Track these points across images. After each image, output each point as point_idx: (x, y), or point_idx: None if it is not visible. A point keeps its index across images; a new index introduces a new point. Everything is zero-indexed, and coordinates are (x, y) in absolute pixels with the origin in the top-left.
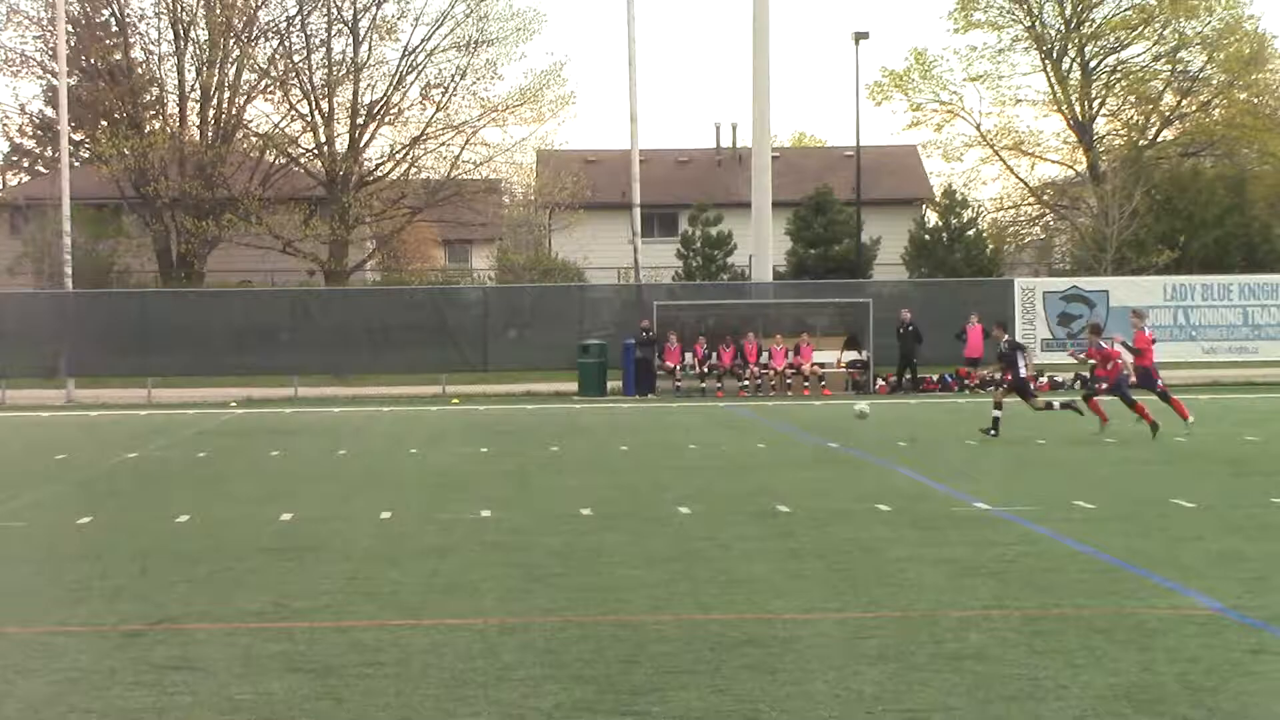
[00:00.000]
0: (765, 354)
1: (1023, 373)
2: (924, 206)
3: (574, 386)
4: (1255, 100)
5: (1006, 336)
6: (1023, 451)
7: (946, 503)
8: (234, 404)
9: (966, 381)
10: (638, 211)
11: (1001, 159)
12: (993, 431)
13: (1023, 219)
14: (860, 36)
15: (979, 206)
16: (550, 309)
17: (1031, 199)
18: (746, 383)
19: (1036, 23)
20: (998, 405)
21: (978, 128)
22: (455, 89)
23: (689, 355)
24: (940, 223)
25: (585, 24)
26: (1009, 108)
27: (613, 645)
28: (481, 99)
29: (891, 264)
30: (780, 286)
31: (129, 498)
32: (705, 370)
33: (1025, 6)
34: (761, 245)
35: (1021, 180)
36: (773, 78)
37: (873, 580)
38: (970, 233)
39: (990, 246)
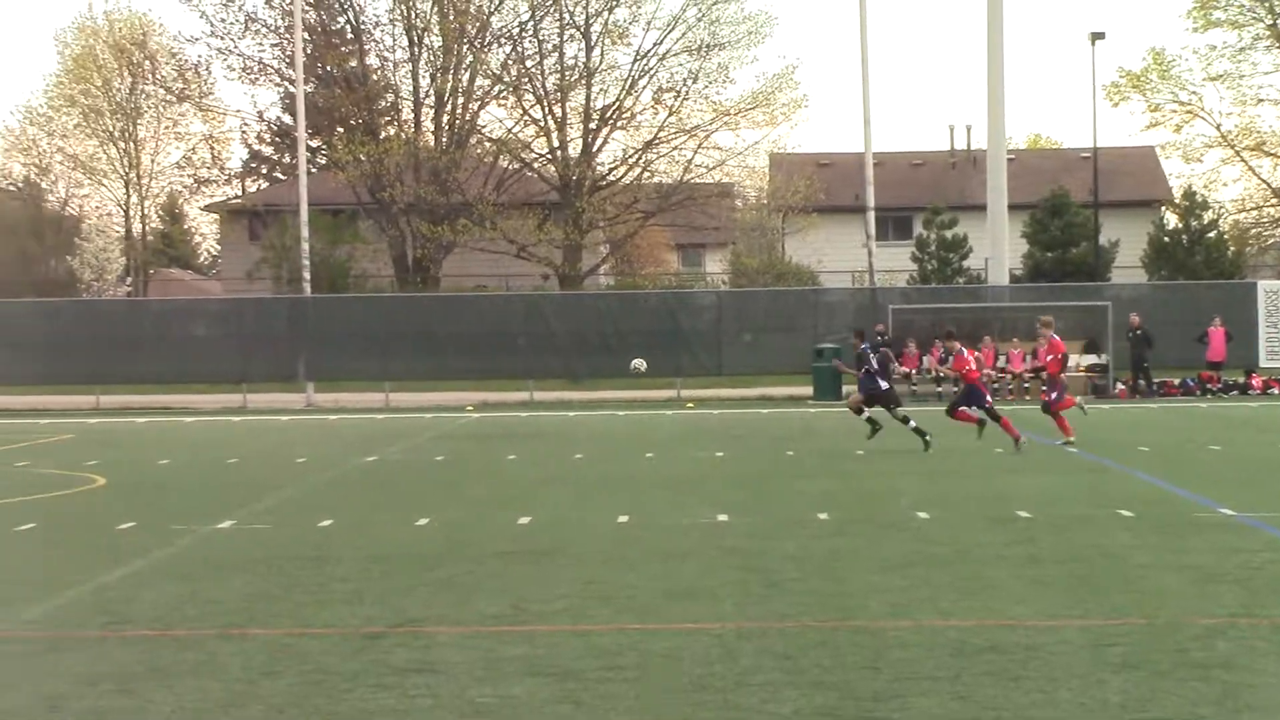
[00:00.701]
0: (1002, 358)
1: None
2: (1163, 208)
3: (809, 390)
4: None
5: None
6: (1271, 456)
7: (1189, 508)
8: (470, 408)
9: (1209, 385)
10: (872, 215)
11: (1243, 160)
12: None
13: (1266, 220)
14: (1096, 37)
15: (1220, 208)
16: (784, 313)
17: (1275, 200)
18: None
19: (1279, 21)
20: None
21: (1218, 128)
22: (687, 93)
23: (925, 359)
24: (1180, 225)
25: (816, 26)
26: (1250, 107)
27: (852, 651)
28: (713, 103)
29: (1130, 266)
30: (1017, 290)
31: (369, 501)
32: (941, 375)
33: (1267, 4)
34: (997, 248)
35: (1264, 181)
36: (1007, 79)
37: (1115, 586)
38: (1211, 235)
39: (1232, 249)
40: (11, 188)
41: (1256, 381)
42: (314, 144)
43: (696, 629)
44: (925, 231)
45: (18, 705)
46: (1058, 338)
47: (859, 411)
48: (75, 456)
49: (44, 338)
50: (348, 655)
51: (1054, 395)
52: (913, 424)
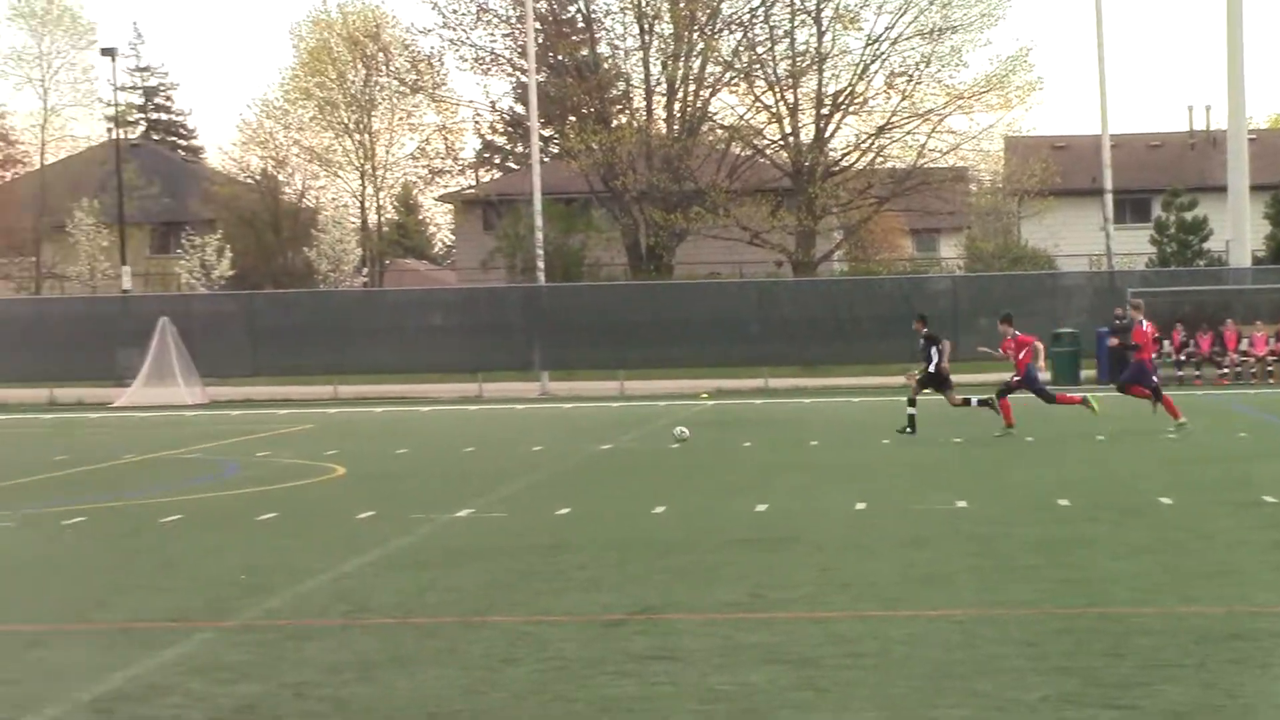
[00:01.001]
0: (1245, 341)
1: (933, 367)
2: None
3: (1047, 376)
4: None
5: (925, 329)
6: None
7: None
8: (705, 395)
9: None
10: (1109, 198)
11: None
12: (909, 430)
13: None
14: None
15: None
16: (1021, 297)
17: None
18: (1226, 370)
19: None
20: (911, 402)
21: None
22: (920, 77)
23: (1165, 343)
24: None
25: (1051, 7)
26: None
27: (1095, 638)
28: (946, 86)
29: None
30: (1259, 272)
31: (605, 489)
32: (1183, 358)
33: None
34: (1239, 230)
35: None
36: (1247, 55)
37: None
38: None
39: None
40: (250, 180)
41: None
42: (546, 133)
43: (937, 615)
44: (1164, 214)
45: (263, 693)
46: (1148, 322)
47: (911, 404)
48: (315, 446)
49: (283, 329)
50: (587, 642)
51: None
52: (974, 401)
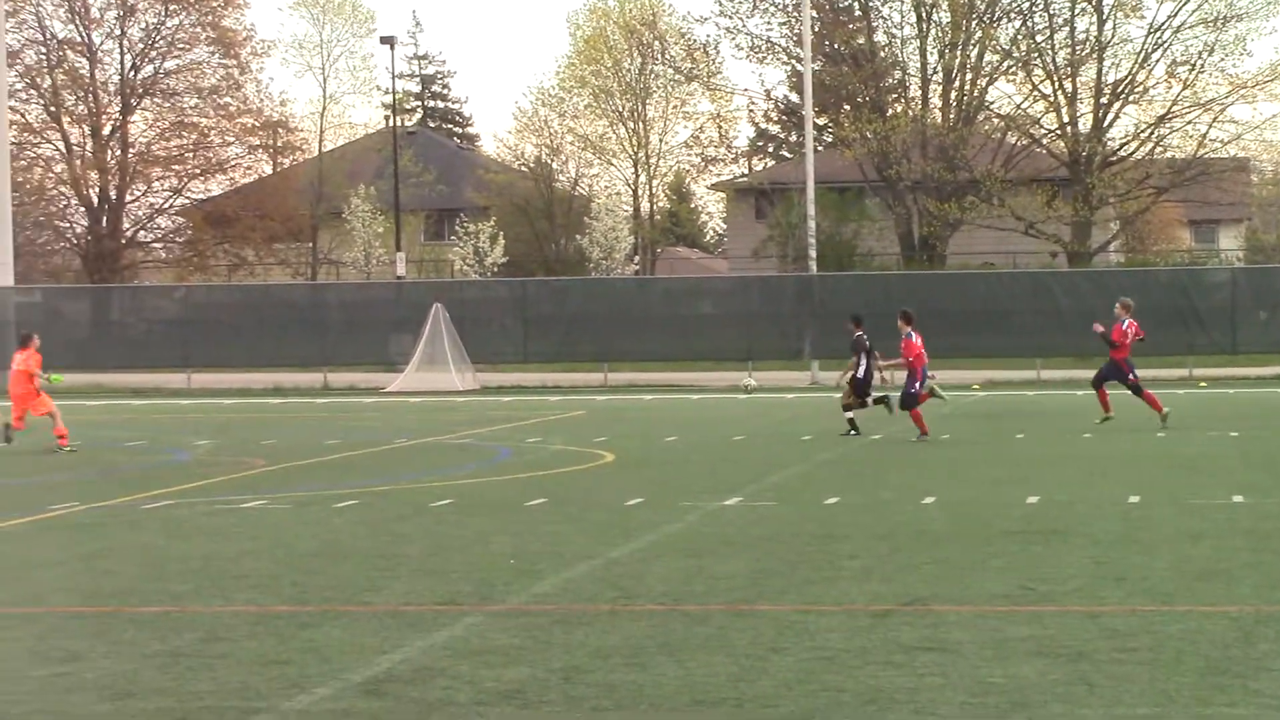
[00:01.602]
0: None
1: (861, 370)
2: None
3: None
4: None
5: (859, 331)
6: None
7: None
8: (976, 386)
9: None
10: None
11: None
12: (852, 432)
13: None
14: None
15: None
16: None
17: None
18: None
19: None
20: (847, 407)
21: None
22: (1203, 66)
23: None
24: None
25: None
26: None
27: None
28: (1229, 75)
29: None
30: None
31: (874, 478)
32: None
33: None
34: None
35: None
36: None
37: None
38: None
39: None
40: (524, 168)
41: None
42: (820, 121)
43: (1213, 611)
44: None
45: (532, 677)
46: (1131, 323)
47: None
48: (585, 433)
49: (554, 316)
50: (855, 632)
51: (1128, 375)
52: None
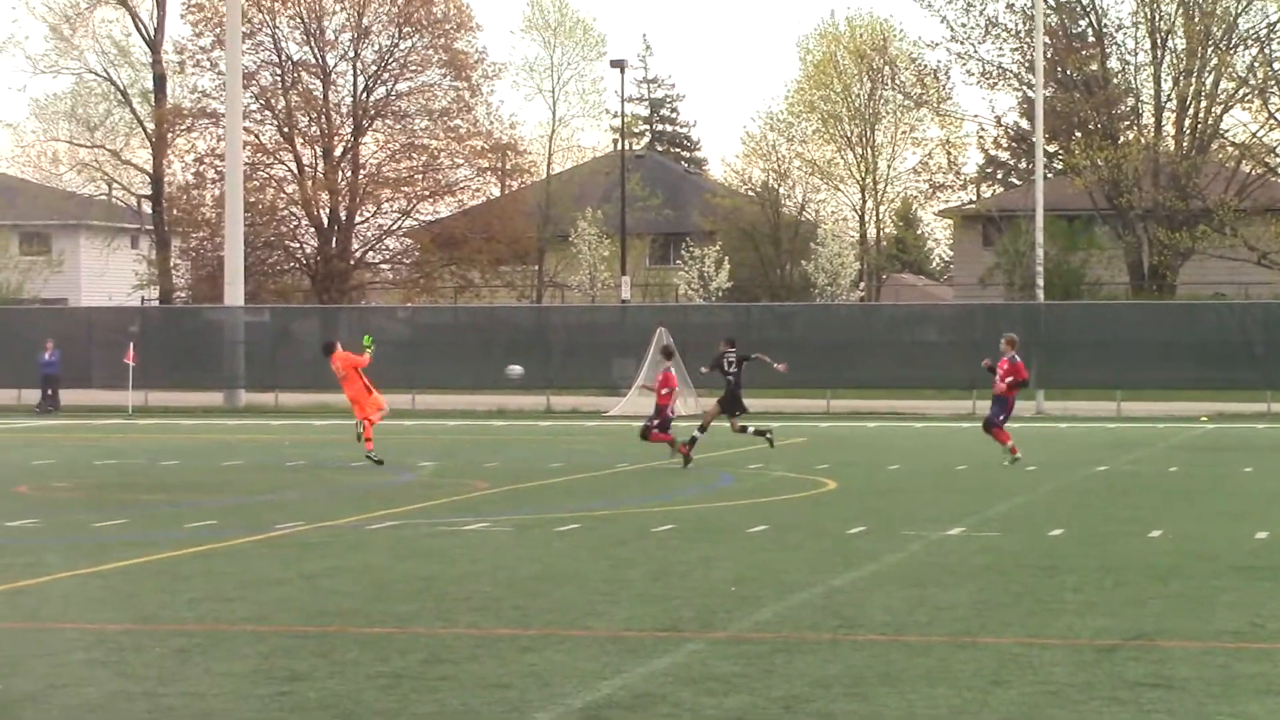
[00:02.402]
0: None
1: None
2: None
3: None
4: None
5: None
6: None
7: None
8: (1204, 418)
9: None
10: None
11: None
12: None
13: None
14: None
15: None
16: None
17: None
18: None
19: None
20: (702, 429)
21: None
22: None
23: None
24: None
25: None
26: None
27: None
28: None
29: None
30: None
31: (1099, 510)
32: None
33: None
34: None
35: None
36: None
37: None
38: None
39: None
40: (751, 193)
41: None
42: (1050, 148)
43: None
44: None
45: (752, 705)
46: (1019, 360)
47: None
48: (807, 459)
49: (778, 341)
50: (1080, 667)
51: (999, 416)
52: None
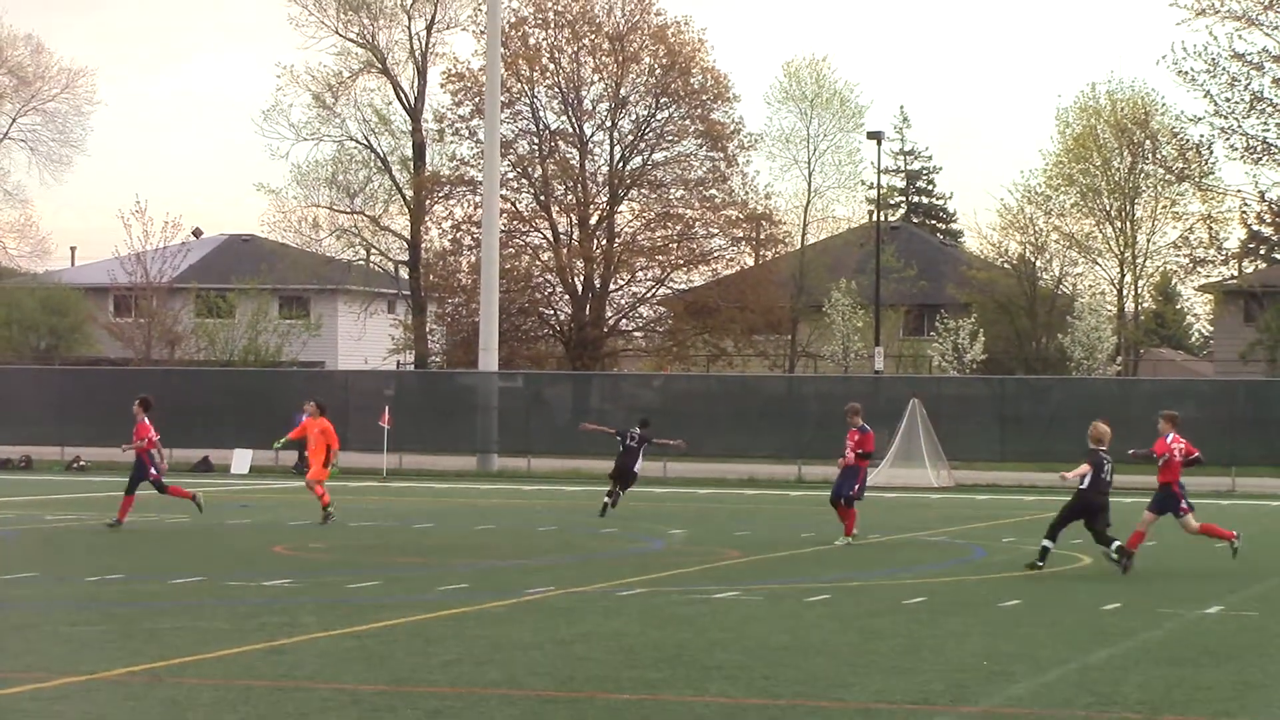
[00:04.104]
0: None
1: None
2: None
3: None
4: None
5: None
6: None
7: None
8: None
9: None
10: None
11: None
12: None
13: None
14: None
15: None
16: None
17: None
18: None
19: None
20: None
21: None
22: None
23: None
24: None
25: None
26: None
27: None
28: None
29: None
30: None
31: None
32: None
33: None
34: None
35: None
36: None
37: None
38: None
39: None
40: (1007, 265)
41: None
42: None
43: None
44: None
45: None
46: (869, 430)
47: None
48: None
49: (1033, 415)
50: None
51: (855, 487)
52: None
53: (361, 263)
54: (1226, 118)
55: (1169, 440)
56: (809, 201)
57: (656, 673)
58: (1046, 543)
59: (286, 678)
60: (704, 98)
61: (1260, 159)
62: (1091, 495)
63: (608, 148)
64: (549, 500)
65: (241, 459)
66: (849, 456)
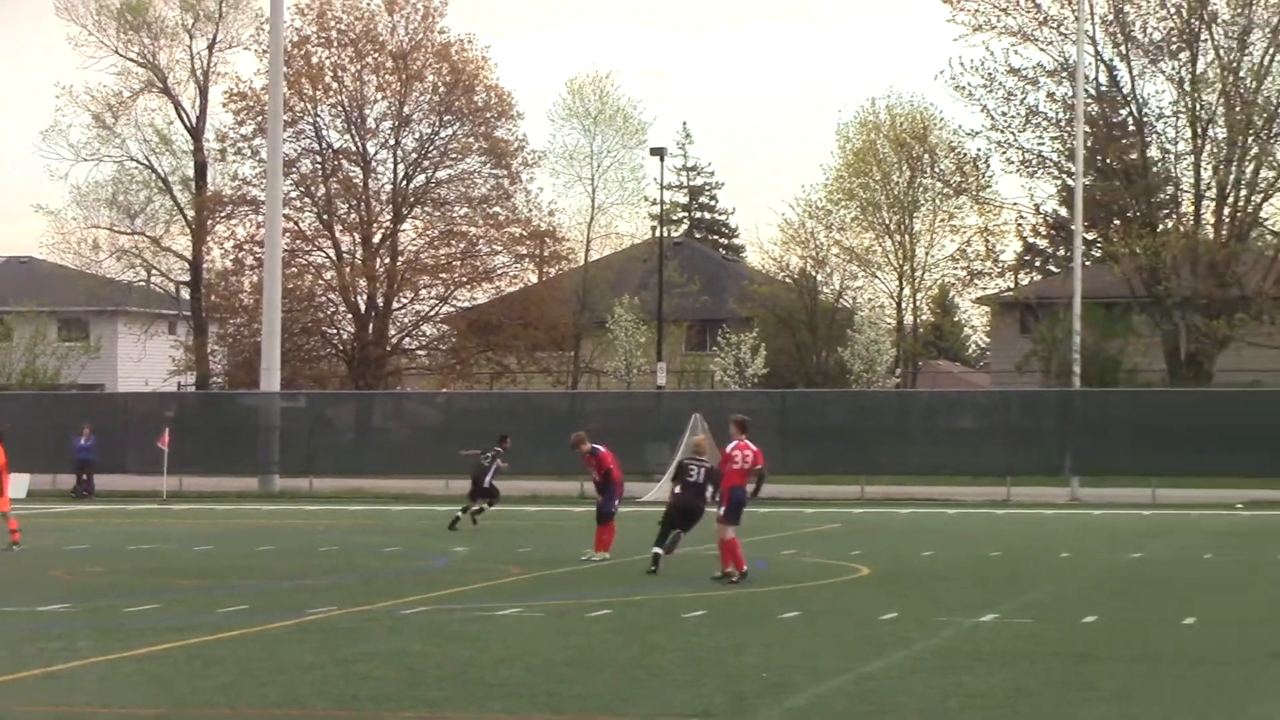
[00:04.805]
0: None
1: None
2: None
3: None
4: None
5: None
6: None
7: None
8: (1240, 505)
9: None
10: None
11: None
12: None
13: None
14: None
15: None
16: None
17: None
18: None
19: None
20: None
21: None
22: None
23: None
24: None
25: None
26: None
27: None
28: None
29: None
30: None
31: (1134, 598)
32: None
33: None
34: None
35: None
36: None
37: None
38: None
39: None
40: (788, 280)
41: None
42: (1089, 236)
43: None
44: None
45: None
46: (600, 450)
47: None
48: (840, 546)
49: (813, 428)
50: None
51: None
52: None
53: (142, 284)
54: (1003, 132)
55: (729, 449)
56: (592, 218)
57: (440, 691)
58: (657, 550)
59: (63, 703)
60: (487, 115)
61: (1035, 172)
62: (687, 498)
63: (391, 166)
64: (331, 520)
65: (19, 483)
66: (595, 477)
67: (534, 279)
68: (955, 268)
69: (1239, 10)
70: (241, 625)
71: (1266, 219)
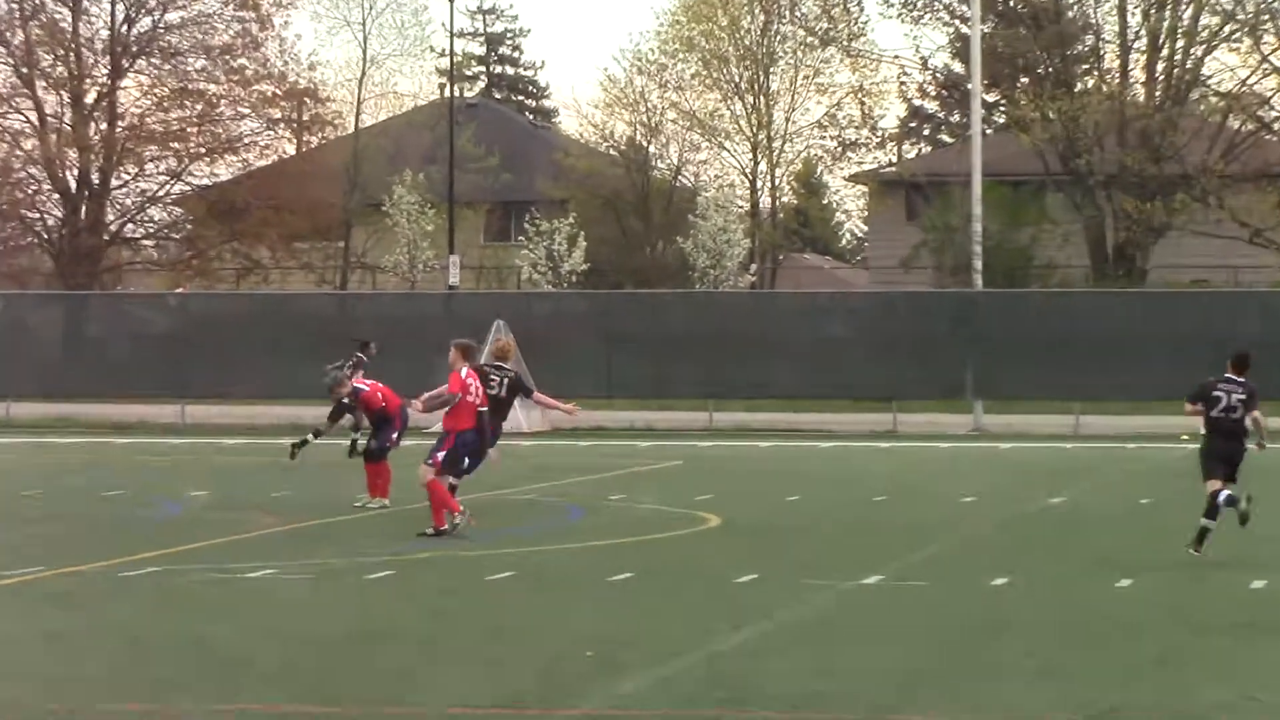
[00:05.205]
0: None
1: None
2: None
3: None
4: None
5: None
6: None
7: None
8: (1185, 436)
9: None
10: None
11: None
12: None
13: None
14: None
15: None
16: None
17: None
18: None
19: None
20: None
21: None
22: None
23: None
24: None
25: None
26: None
27: None
28: None
29: None
30: None
31: (1054, 554)
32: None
33: None
34: None
35: None
36: None
37: None
38: None
39: None
40: (613, 152)
41: None
42: (991, 98)
43: None
44: None
45: None
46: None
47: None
48: (683, 489)
49: (648, 337)
50: None
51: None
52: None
53: None
54: None
55: (463, 375)
56: (364, 73)
57: (173, 672)
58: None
59: None
60: None
61: (922, 17)
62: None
63: (108, 7)
64: (35, 455)
65: None
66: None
67: (291, 150)
68: (823, 137)
69: None
70: None
71: (1209, 76)
